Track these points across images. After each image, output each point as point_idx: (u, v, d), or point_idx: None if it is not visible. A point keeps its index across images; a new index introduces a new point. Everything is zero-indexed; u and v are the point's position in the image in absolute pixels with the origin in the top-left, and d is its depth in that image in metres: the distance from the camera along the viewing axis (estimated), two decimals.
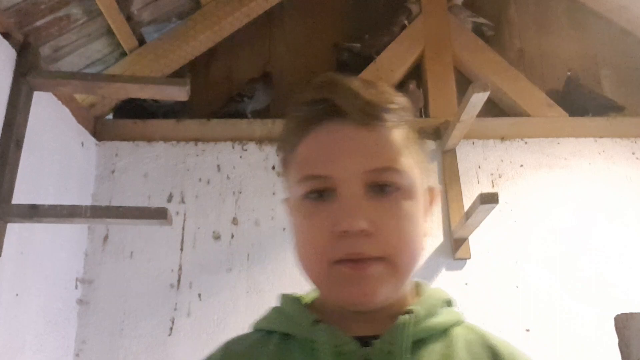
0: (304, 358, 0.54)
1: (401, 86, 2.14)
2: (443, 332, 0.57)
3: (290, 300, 0.61)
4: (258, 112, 2.11)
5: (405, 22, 2.23)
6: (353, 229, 0.51)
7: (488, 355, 0.56)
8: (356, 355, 0.52)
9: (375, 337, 0.53)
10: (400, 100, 0.58)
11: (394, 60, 2.19)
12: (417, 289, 0.63)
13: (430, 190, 0.61)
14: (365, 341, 0.53)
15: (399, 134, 0.56)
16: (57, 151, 1.70)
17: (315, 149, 0.55)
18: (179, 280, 1.83)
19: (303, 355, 0.54)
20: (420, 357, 0.53)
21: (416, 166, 0.57)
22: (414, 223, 0.55)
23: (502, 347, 0.57)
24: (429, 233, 0.61)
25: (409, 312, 0.55)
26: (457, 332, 0.58)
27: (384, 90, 0.58)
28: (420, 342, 0.54)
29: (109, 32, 1.89)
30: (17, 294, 1.46)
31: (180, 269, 1.84)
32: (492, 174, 2.00)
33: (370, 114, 0.54)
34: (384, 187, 0.54)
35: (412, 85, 2.08)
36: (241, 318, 1.77)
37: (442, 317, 0.58)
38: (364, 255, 0.52)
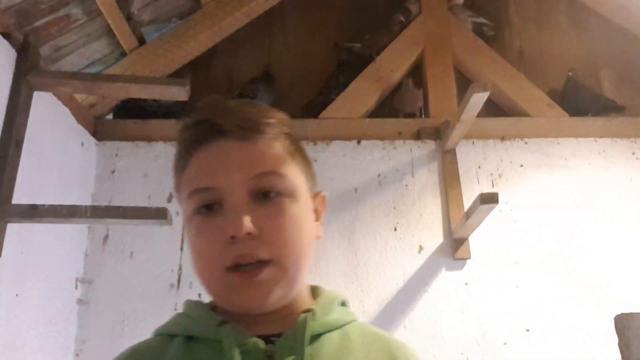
0: (211, 358, 0.56)
1: (399, 85, 2.15)
2: (339, 328, 0.61)
3: (194, 305, 0.63)
4: None
5: (402, 19, 2.23)
6: (240, 233, 0.54)
7: (382, 347, 0.60)
8: (261, 352, 0.55)
9: (277, 335, 0.57)
10: (279, 115, 0.63)
11: (394, 60, 2.19)
12: (314, 291, 0.66)
13: (318, 195, 0.65)
14: (267, 340, 0.56)
15: (278, 144, 0.60)
16: (57, 151, 1.70)
17: (201, 165, 0.59)
18: (179, 280, 1.83)
19: (210, 355, 0.56)
20: (320, 347, 0.57)
21: (300, 172, 0.61)
22: (299, 225, 0.58)
23: (394, 342, 0.63)
24: (321, 235, 0.65)
25: (308, 310, 0.59)
26: (352, 328, 0.62)
27: (262, 108, 0.63)
28: (318, 336, 0.58)
29: (109, 32, 1.89)
30: (17, 294, 1.46)
31: (180, 268, 1.84)
32: (492, 174, 2.00)
33: (248, 129, 0.58)
34: (268, 193, 0.57)
35: (410, 83, 2.08)
36: None
37: (337, 315, 0.62)
38: (253, 257, 0.55)
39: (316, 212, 0.65)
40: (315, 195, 0.65)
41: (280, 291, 0.56)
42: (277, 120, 0.62)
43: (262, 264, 0.55)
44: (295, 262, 0.57)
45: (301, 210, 0.59)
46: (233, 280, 0.55)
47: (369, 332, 0.63)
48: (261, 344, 0.55)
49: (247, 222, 0.54)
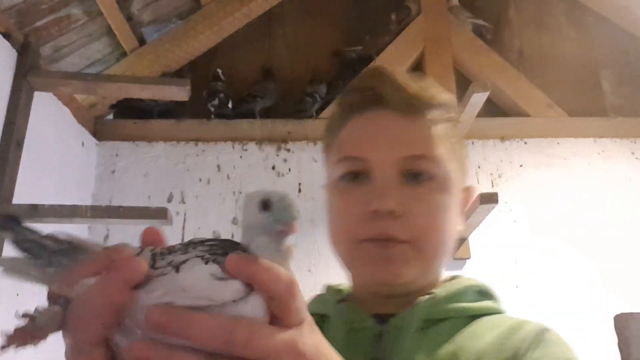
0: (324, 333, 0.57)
1: None
2: (469, 317, 0.56)
3: (327, 287, 0.64)
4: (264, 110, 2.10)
5: (393, 16, 2.22)
6: (382, 208, 0.52)
7: (511, 335, 0.53)
8: (370, 331, 0.54)
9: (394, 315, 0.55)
10: (445, 98, 0.60)
11: (394, 60, 2.19)
12: (452, 279, 0.63)
13: (467, 190, 0.63)
14: (384, 319, 0.55)
15: (438, 128, 0.57)
16: (57, 151, 1.71)
17: (355, 133, 0.57)
18: None
19: (323, 331, 0.57)
20: (429, 334, 0.53)
21: (454, 161, 0.58)
22: (444, 213, 0.56)
23: (522, 325, 0.55)
24: (462, 229, 0.62)
25: (430, 294, 0.56)
26: (489, 319, 0.56)
27: (430, 86, 0.59)
28: (434, 322, 0.54)
29: (109, 33, 1.90)
30: (17, 294, 1.46)
31: None
32: (491, 174, 2.01)
33: (411, 105, 0.56)
34: (418, 175, 0.55)
35: None
36: None
37: (467, 304, 0.57)
38: (391, 236, 0.53)
39: (461, 205, 0.62)
40: (464, 190, 0.62)
41: (413, 271, 0.54)
42: (442, 102, 0.58)
43: (398, 241, 0.53)
44: (434, 249, 0.55)
45: (449, 199, 0.56)
46: (367, 251, 0.53)
47: (503, 322, 0.56)
48: (370, 323, 0.54)
49: (392, 200, 0.52)
